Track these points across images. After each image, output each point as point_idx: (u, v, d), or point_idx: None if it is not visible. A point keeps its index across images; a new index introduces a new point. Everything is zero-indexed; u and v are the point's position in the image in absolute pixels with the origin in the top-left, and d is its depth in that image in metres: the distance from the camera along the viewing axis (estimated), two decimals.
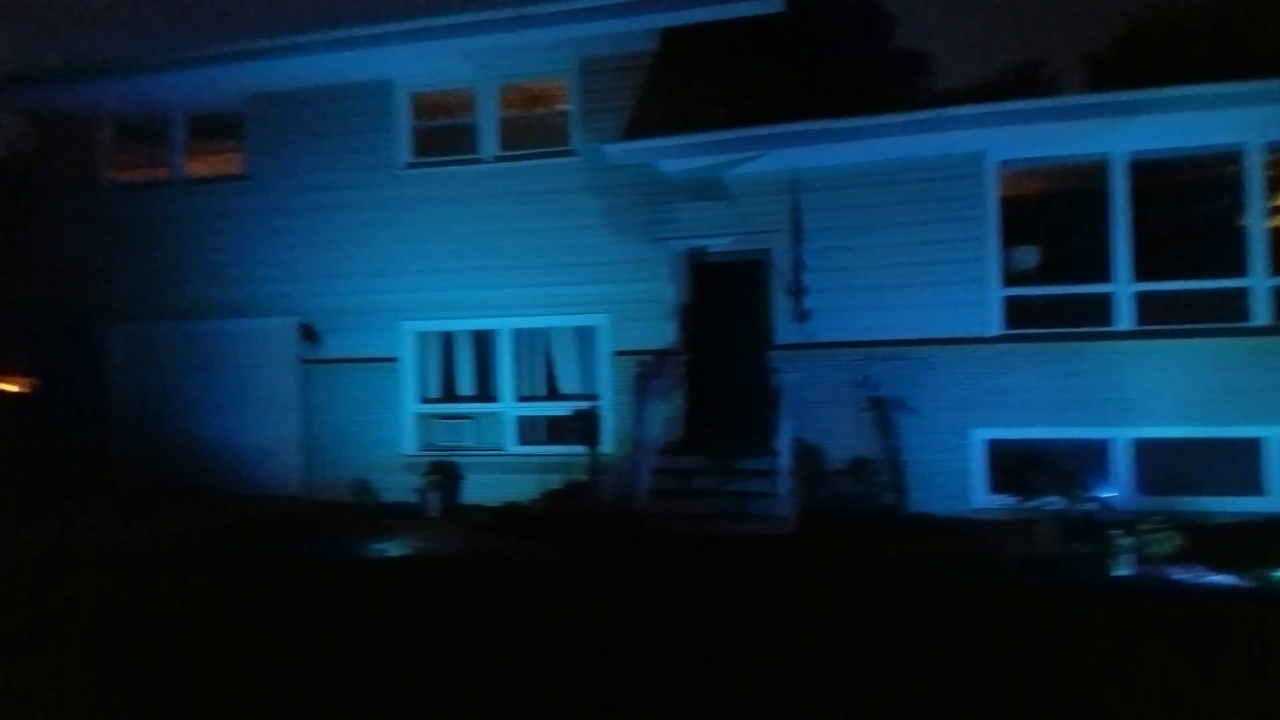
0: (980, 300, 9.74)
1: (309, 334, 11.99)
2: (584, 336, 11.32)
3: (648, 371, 10.09)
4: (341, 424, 11.92)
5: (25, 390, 17.95)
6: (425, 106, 11.73)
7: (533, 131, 11.41)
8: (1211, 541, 7.99)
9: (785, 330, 10.16)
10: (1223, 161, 9.16)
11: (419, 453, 11.69)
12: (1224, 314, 9.10)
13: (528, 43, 10.43)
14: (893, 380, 9.92)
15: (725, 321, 10.86)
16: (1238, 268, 9.04)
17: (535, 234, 11.03)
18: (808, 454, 10.08)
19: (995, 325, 9.74)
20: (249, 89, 11.86)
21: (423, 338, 11.89)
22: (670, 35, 10.33)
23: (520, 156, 11.23)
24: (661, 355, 10.64)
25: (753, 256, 10.53)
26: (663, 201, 10.57)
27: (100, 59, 11.92)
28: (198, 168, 12.62)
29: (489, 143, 11.33)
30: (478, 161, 11.34)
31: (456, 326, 11.76)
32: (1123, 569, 7.55)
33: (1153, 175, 9.40)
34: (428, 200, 11.47)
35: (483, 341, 11.75)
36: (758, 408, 10.09)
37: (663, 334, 10.80)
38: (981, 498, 9.75)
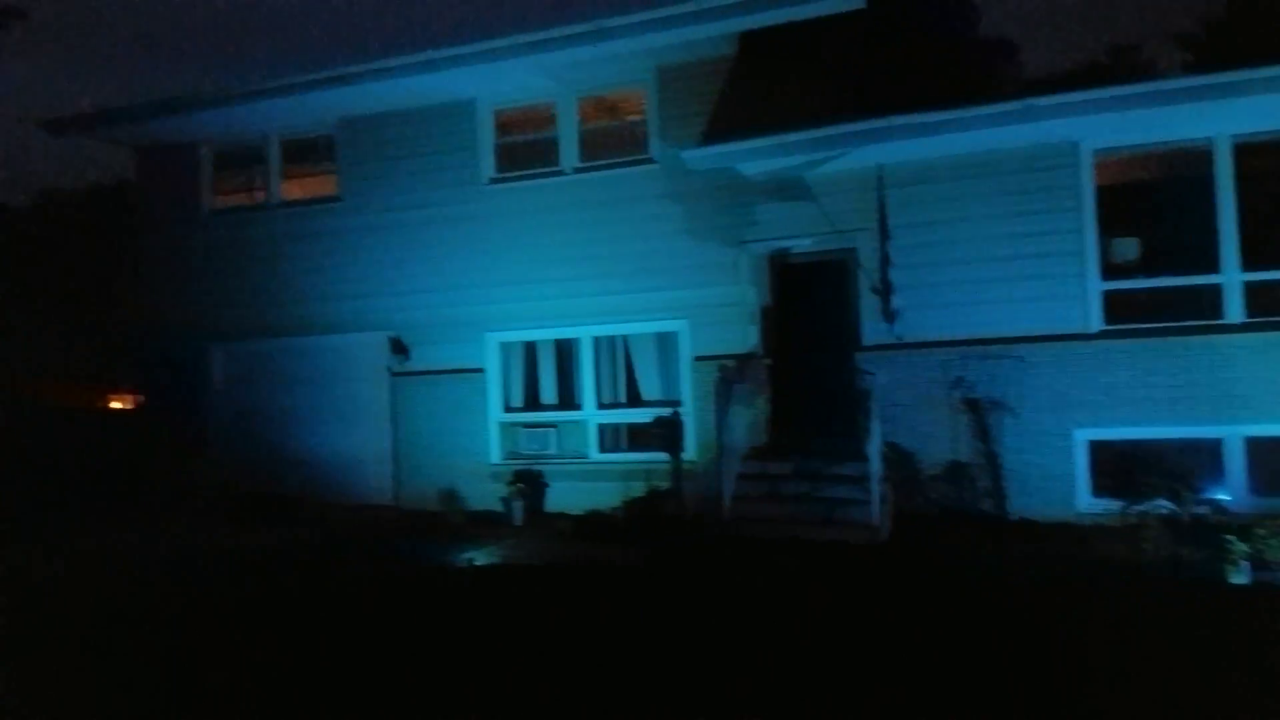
0: (1079, 294, 9.37)
1: (399, 347, 12.28)
2: (665, 342, 11.31)
3: (730, 376, 9.98)
4: (430, 434, 12.15)
5: (132, 407, 18.89)
6: (507, 122, 11.97)
7: (611, 141, 11.53)
8: None
9: (873, 330, 9.94)
10: None
11: (503, 461, 11.83)
12: None
13: (606, 54, 10.51)
14: (988, 380, 9.60)
15: (810, 323, 10.71)
16: None
17: (615, 241, 11.08)
18: (900, 458, 9.82)
19: (1096, 320, 9.36)
20: (339, 113, 12.29)
21: (506, 348, 12.06)
22: (748, 37, 10.30)
23: (599, 166, 11.33)
24: (744, 359, 10.53)
25: (837, 256, 10.37)
26: (743, 204, 10.50)
27: (198, 92, 12.52)
28: (292, 190, 13.13)
29: (569, 154, 11.48)
30: (558, 173, 11.50)
31: (539, 336, 11.89)
32: (1238, 575, 7.11)
33: (1259, 157, 8.91)
34: (510, 213, 11.66)
35: (564, 350, 11.86)
36: (845, 411, 9.88)
37: (745, 338, 10.70)
38: (1085, 501, 9.35)
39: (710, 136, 10.33)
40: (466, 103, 11.76)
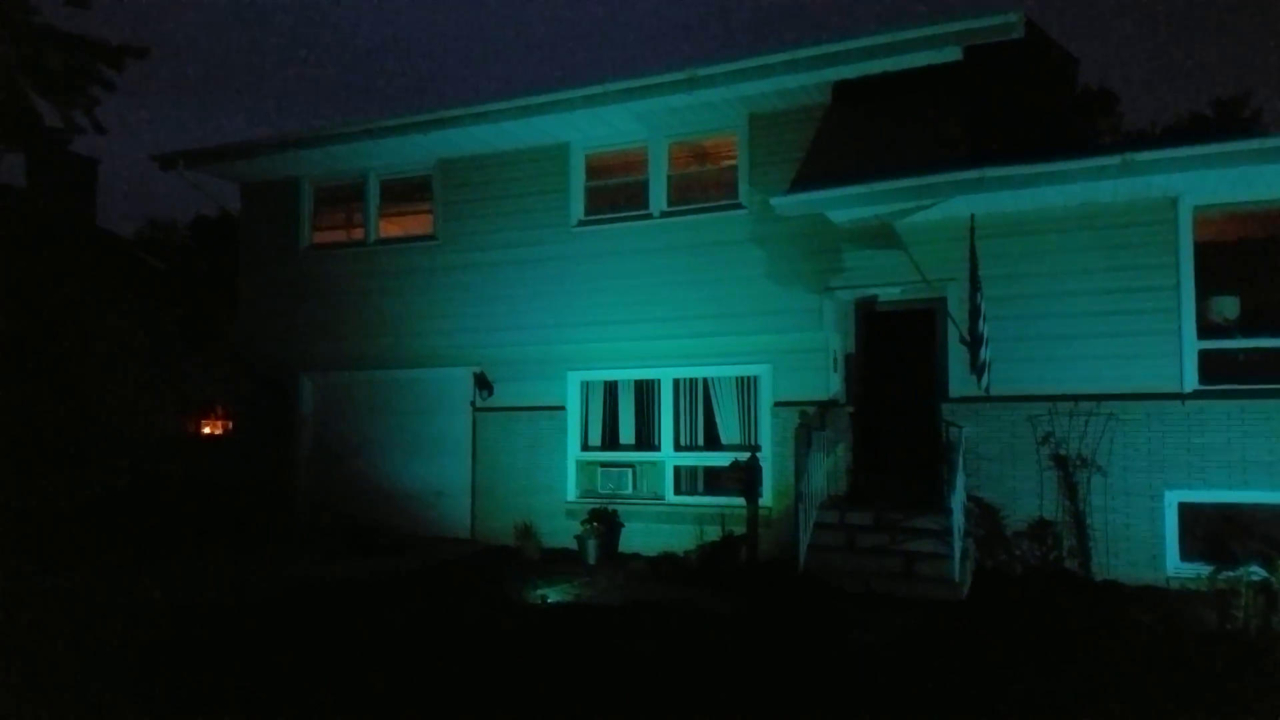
0: (1174, 352, 9.18)
1: (483, 383, 12.56)
2: (745, 386, 11.37)
3: (810, 423, 9.96)
4: (509, 469, 12.36)
5: (222, 433, 19.60)
6: (598, 166, 12.24)
7: (700, 186, 11.74)
8: None
9: (960, 382, 9.82)
10: None
11: (580, 499, 11.94)
12: None
13: (699, 101, 10.74)
14: (1078, 436, 9.43)
15: (895, 373, 10.66)
16: None
17: (699, 285, 11.18)
18: (984, 513, 9.66)
19: (1191, 379, 9.13)
20: (438, 154, 12.71)
21: (587, 387, 12.24)
22: (842, 86, 10.42)
23: (687, 211, 11.49)
24: (825, 406, 10.51)
25: (925, 305, 10.35)
26: (830, 250, 10.55)
27: (303, 130, 13.12)
28: (389, 228, 13.60)
29: (658, 198, 11.68)
30: (646, 217, 11.68)
31: (620, 376, 12.06)
32: None
33: None
34: (596, 255, 11.87)
35: (644, 391, 11.99)
36: (929, 463, 9.78)
37: (827, 385, 10.70)
38: (1173, 564, 9.07)
39: (800, 183, 10.45)
40: (559, 146, 12.09)
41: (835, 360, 10.81)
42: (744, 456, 10.72)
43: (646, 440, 11.92)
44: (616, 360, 11.93)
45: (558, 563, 10.95)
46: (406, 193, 13.39)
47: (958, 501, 8.98)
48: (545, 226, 12.14)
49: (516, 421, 12.41)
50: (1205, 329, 9.18)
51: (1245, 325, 9.17)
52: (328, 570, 10.22)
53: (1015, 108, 10.40)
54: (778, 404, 10.94)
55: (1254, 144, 8.45)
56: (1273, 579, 7.92)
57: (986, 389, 9.14)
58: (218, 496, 14.10)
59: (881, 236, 10.18)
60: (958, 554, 8.71)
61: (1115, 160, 8.75)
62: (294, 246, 13.85)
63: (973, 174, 9.08)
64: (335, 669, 6.46)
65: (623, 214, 11.88)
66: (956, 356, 9.79)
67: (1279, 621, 7.36)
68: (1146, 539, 9.20)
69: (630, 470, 11.85)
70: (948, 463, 9.42)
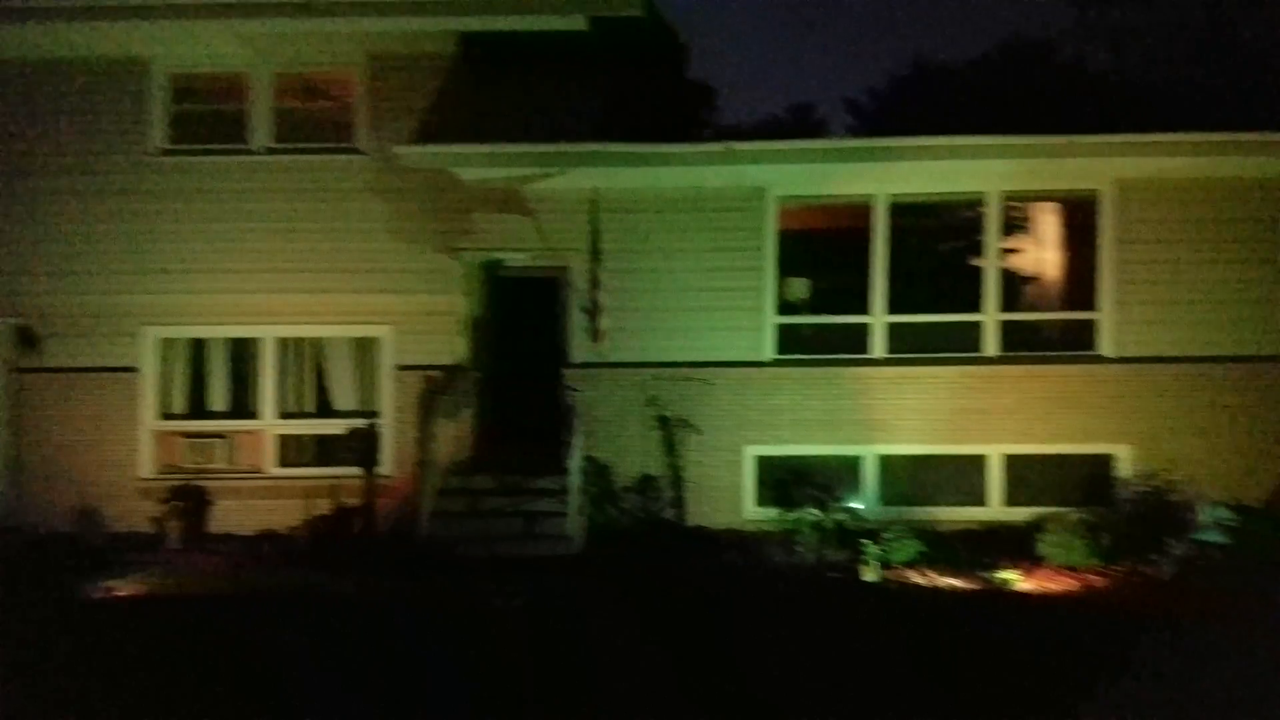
0: (758, 326, 10.39)
1: (27, 338, 10.23)
2: (364, 349, 10.64)
3: (435, 388, 9.68)
4: (65, 443, 10.28)
5: None
6: (188, 89, 10.50)
7: (314, 124, 10.60)
8: (943, 547, 9.03)
9: (580, 349, 10.19)
10: (967, 206, 10.45)
11: (159, 475, 10.35)
12: (961, 344, 10.39)
13: (313, 30, 9.70)
14: (678, 400, 10.28)
15: (520, 338, 10.71)
16: (974, 303, 10.39)
17: (313, 235, 10.23)
18: (598, 472, 10.15)
19: (770, 350, 10.42)
20: None
21: (168, 345, 10.58)
22: (469, 41, 10.10)
23: (297, 150, 10.38)
24: (451, 371, 10.26)
25: (550, 273, 10.49)
26: (461, 211, 10.23)
27: None
28: None
29: (261, 132, 10.37)
30: (247, 151, 10.33)
31: (211, 334, 10.59)
32: (870, 574, 8.31)
33: (909, 216, 10.51)
34: (185, 192, 10.27)
35: (242, 351, 10.67)
36: (552, 426, 10.02)
37: (452, 349, 10.43)
38: (750, 509, 10.30)
39: (427, 135, 9.95)
40: (138, 61, 10.18)
41: (462, 324, 10.57)
42: (362, 424, 10.10)
43: (244, 407, 10.65)
44: (207, 315, 10.46)
45: (131, 550, 9.38)
46: None
47: (575, 462, 9.35)
48: (118, 153, 10.19)
49: (76, 386, 10.34)
50: (783, 307, 10.50)
51: (813, 305, 10.67)
52: None
53: (639, 88, 10.92)
54: (400, 368, 10.43)
55: (819, 144, 9.83)
56: (824, 518, 9.39)
57: (603, 356, 9.60)
58: None
59: (511, 201, 10.12)
60: (573, 511, 9.07)
61: (720, 148, 9.61)
62: None
63: (596, 148, 9.37)
64: None
65: (219, 147, 10.37)
66: (578, 325, 10.12)
67: (832, 554, 8.79)
68: (731, 488, 10.35)
69: (223, 441, 10.52)
70: (566, 425, 9.76)
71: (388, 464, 10.23)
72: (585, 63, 10.41)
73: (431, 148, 9.54)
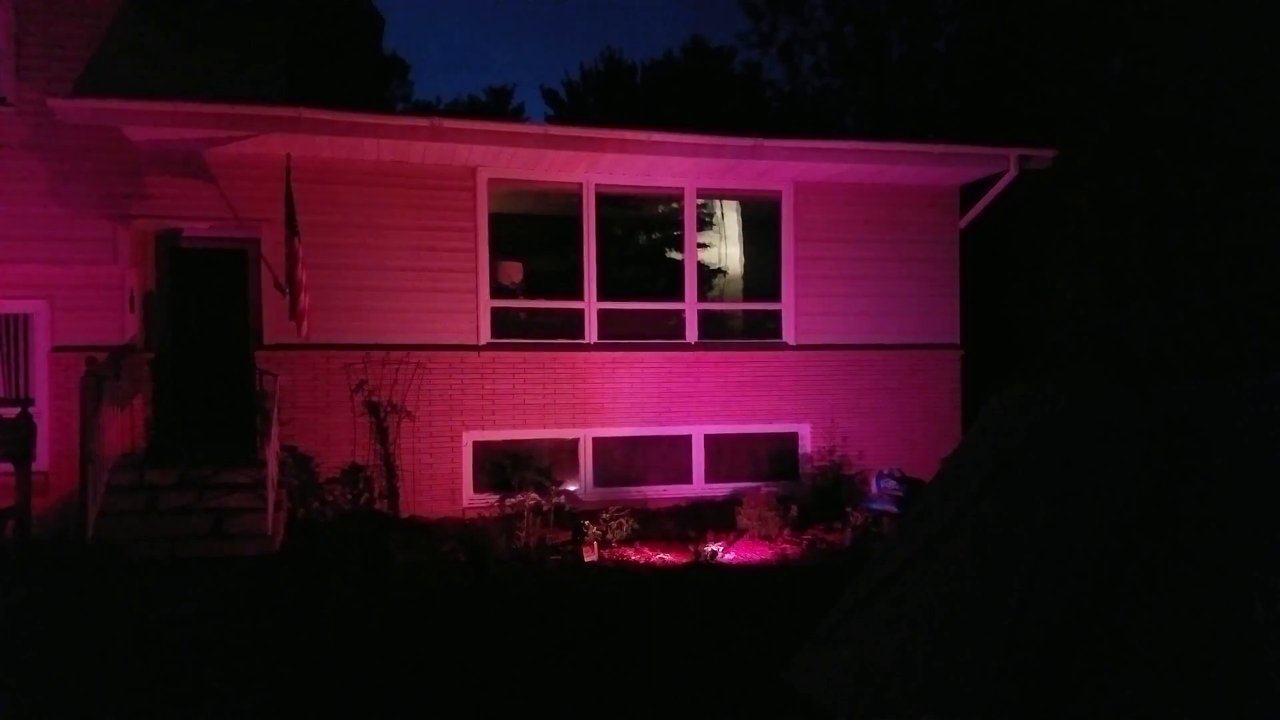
0: (473, 309, 10.22)
1: None
2: (11, 327, 9.24)
3: (101, 371, 8.59)
4: None
5: None
6: None
7: None
8: (654, 523, 9.47)
9: (277, 328, 9.46)
10: (666, 201, 10.92)
11: None
12: (666, 331, 10.88)
13: None
14: (390, 384, 9.90)
15: (204, 317, 9.83)
16: (677, 292, 10.89)
17: None
18: (298, 462, 9.55)
19: (485, 333, 10.30)
20: None
21: None
22: None
23: None
24: (121, 352, 9.16)
25: (238, 245, 9.66)
26: (130, 173, 9.16)
27: None
28: None
29: None
30: None
31: None
32: (590, 554, 8.53)
33: (615, 206, 10.81)
34: None
35: None
36: (243, 414, 9.27)
37: (122, 328, 9.31)
38: (469, 496, 10.17)
39: (88, 85, 8.74)
40: None
41: (132, 300, 9.45)
42: (12, 413, 8.76)
43: None
44: None
45: None
46: None
47: (272, 452, 8.74)
48: None
49: None
50: (497, 290, 10.42)
51: (528, 289, 10.68)
52: None
53: (335, 55, 10.31)
54: (58, 349, 9.18)
55: (533, 128, 9.83)
56: (544, 501, 9.46)
57: (304, 337, 9.01)
58: None
59: (190, 165, 9.19)
60: (270, 506, 8.48)
61: (426, 123, 9.32)
62: None
63: (290, 111, 8.70)
64: None
65: None
66: (274, 303, 9.40)
67: (551, 536, 8.85)
68: (448, 476, 10.13)
69: None
70: (261, 413, 9.08)
71: (46, 458, 8.99)
72: (272, 22, 9.63)
73: (93, 101, 8.37)
